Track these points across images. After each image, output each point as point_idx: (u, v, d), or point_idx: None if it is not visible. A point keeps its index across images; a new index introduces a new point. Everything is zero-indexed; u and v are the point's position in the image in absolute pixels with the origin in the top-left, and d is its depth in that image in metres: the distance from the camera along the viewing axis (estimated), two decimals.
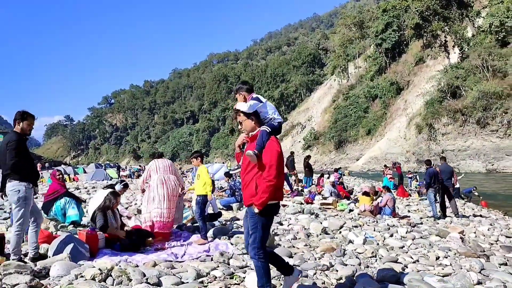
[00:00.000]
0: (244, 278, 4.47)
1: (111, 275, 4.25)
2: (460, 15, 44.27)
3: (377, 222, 9.34)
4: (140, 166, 44.28)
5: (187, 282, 4.31)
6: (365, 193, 11.56)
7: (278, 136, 3.82)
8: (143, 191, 7.12)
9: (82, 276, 4.18)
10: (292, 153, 18.65)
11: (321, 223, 8.19)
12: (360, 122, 63.71)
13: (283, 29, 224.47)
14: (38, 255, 4.92)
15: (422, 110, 45.31)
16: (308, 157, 17.36)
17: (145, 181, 7.03)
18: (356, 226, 8.30)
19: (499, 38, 37.36)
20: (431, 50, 51.08)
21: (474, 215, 11.95)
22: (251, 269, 4.58)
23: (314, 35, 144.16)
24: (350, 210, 10.92)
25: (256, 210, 3.55)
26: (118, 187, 7.64)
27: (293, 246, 6.23)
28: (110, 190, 6.64)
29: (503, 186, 23.33)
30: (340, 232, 7.66)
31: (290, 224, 8.22)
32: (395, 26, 62.65)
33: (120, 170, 34.67)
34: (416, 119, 46.44)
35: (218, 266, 4.85)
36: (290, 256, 5.49)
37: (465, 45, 42.31)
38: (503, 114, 32.65)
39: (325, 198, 12.60)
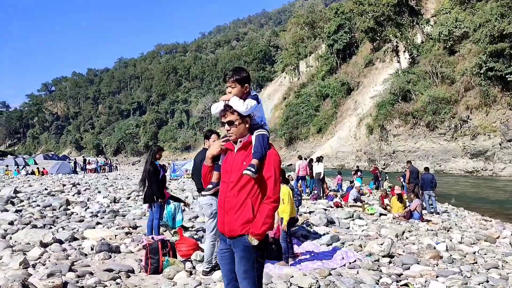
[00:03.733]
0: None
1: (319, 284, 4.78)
2: (411, 22, 46.51)
3: (412, 226, 9.90)
4: (105, 159, 42.42)
5: None
6: (399, 198, 11.65)
7: None
8: None
9: (300, 286, 4.73)
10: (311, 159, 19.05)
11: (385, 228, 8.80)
12: (311, 120, 65.13)
13: (231, 23, 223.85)
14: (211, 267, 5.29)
15: (372, 111, 47.15)
16: (311, 160, 17.74)
17: None
18: (410, 231, 8.93)
19: (447, 46, 39.66)
20: (383, 54, 53.19)
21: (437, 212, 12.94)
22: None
23: (263, 31, 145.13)
24: (381, 214, 11.33)
25: (255, 242, 2.71)
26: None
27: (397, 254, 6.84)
28: None
29: (452, 185, 25.11)
30: (407, 238, 8.19)
31: (364, 230, 8.76)
32: (347, 28, 64.56)
33: (86, 163, 33.34)
34: (366, 119, 48.25)
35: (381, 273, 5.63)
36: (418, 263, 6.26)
37: (415, 51, 44.53)
38: (451, 118, 34.79)
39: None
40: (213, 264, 5.26)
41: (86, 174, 28.53)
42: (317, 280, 4.84)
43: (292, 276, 5.12)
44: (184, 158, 69.21)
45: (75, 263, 5.39)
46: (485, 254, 7.34)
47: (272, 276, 5.22)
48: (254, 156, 2.75)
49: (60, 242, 6.48)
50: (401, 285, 5.13)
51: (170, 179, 23.28)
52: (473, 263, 6.69)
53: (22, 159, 35.41)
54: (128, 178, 24.81)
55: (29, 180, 21.56)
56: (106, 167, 32.83)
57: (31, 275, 4.61)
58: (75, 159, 37.98)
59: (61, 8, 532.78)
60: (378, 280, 5.28)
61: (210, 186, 2.99)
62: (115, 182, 20.43)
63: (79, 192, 13.74)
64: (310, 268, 5.73)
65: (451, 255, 6.99)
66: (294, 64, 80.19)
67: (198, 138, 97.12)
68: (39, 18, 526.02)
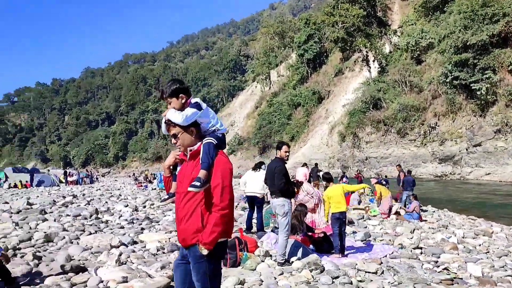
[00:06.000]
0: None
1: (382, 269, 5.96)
2: (379, 32, 48.29)
3: (415, 225, 10.83)
4: (87, 171, 41.70)
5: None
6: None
7: None
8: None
9: (367, 272, 5.75)
10: (316, 164, 19.51)
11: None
12: (284, 129, 66.01)
13: (200, 32, 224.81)
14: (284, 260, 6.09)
15: (343, 119, 48.45)
16: (316, 165, 18.32)
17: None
18: (417, 229, 10.15)
19: (414, 56, 41.45)
20: (353, 63, 54.76)
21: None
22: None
23: (232, 40, 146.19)
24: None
25: (205, 252, 2.68)
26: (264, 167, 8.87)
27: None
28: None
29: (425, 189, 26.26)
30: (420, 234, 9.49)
31: (382, 228, 10.10)
32: (317, 38, 66.03)
33: (68, 175, 32.81)
34: (338, 127, 49.50)
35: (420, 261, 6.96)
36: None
37: (384, 60, 46.21)
38: (420, 125, 36.32)
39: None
40: (286, 258, 6.08)
41: (67, 186, 28.24)
42: (380, 266, 5.96)
43: (357, 264, 6.10)
44: (158, 169, 68.66)
45: (161, 260, 6.11)
46: (488, 246, 8.30)
47: (338, 264, 6.10)
48: (201, 167, 2.73)
49: (125, 245, 7.06)
50: (442, 269, 6.21)
51: (159, 189, 23.41)
52: (486, 252, 7.88)
53: None
54: (118, 189, 24.77)
55: (17, 194, 21.14)
56: (87, 179, 32.50)
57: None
58: (64, 170, 37.23)
59: (23, 14, 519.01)
60: (422, 265, 6.46)
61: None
62: (110, 193, 20.42)
63: (89, 203, 13.91)
64: (360, 259, 6.55)
65: (464, 247, 8.17)
66: (265, 74, 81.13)
67: (170, 148, 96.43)
68: None
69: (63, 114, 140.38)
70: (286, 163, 6.36)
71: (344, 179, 20.46)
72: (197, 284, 2.77)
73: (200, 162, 2.75)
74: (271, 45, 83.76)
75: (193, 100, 2.93)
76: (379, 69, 46.54)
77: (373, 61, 47.29)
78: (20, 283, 4.96)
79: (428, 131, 35.91)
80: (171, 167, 3.04)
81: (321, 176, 15.51)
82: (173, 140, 2.89)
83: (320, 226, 8.13)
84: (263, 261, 6.18)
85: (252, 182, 8.82)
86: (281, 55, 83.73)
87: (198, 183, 2.65)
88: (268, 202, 12.51)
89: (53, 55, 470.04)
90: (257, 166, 9.17)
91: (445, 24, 36.88)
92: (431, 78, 36.73)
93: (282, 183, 6.08)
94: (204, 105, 2.93)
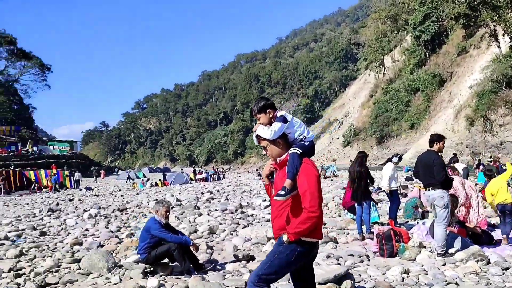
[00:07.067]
0: None
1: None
2: (509, 2, 43.28)
3: None
4: (214, 168, 44.86)
5: None
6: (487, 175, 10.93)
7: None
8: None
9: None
10: (455, 154, 19.20)
11: None
12: (402, 116, 63.10)
13: (308, 25, 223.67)
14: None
15: (470, 101, 44.58)
16: (455, 154, 17.71)
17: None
18: None
19: None
20: (480, 40, 49.93)
21: None
22: None
23: (341, 30, 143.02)
24: None
25: (285, 238, 2.98)
26: (395, 160, 9.07)
27: None
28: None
29: None
30: None
31: None
32: (434, 17, 61.60)
33: (197, 173, 35.74)
34: (464, 110, 45.71)
35: None
36: None
37: None
38: None
39: None
40: (445, 249, 6.13)
41: (197, 183, 30.65)
42: None
43: None
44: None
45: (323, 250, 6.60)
46: None
47: (503, 256, 6.07)
48: (287, 176, 2.98)
49: None
50: None
51: None
52: None
53: (134, 173, 38.85)
54: (246, 185, 26.34)
55: (159, 191, 23.63)
56: (214, 176, 34.88)
57: None
58: (194, 169, 40.49)
59: (148, 28, 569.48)
60: None
61: (281, 192, 3.04)
62: (241, 188, 21.74)
63: (226, 198, 15.11)
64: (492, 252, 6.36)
65: None
66: (378, 60, 78.13)
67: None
68: (125, 40, 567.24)
69: (185, 116, 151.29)
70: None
71: (481, 167, 18.85)
72: (267, 260, 3.06)
73: (287, 172, 3.00)
74: (383, 30, 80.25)
75: (278, 114, 3.17)
76: (511, 44, 41.77)
77: (503, 35, 42.57)
78: (207, 268, 5.81)
79: None
80: (269, 176, 3.32)
81: (456, 167, 14.54)
82: (264, 151, 3.22)
83: (474, 222, 7.73)
84: (420, 252, 6.26)
85: (384, 176, 8.93)
86: (394, 39, 79.90)
87: (282, 192, 2.95)
88: (402, 194, 12.18)
89: (174, 62, 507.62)
90: (387, 160, 9.10)
91: None
92: None
93: (443, 175, 6.15)
94: (289, 117, 3.17)
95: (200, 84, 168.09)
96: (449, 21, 56.80)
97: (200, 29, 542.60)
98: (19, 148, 49.55)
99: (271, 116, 3.15)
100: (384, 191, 9.37)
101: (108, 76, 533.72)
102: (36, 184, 31.41)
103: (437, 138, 6.65)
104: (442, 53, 63.60)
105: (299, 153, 3.03)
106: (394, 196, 8.72)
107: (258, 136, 3.18)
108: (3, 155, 44.35)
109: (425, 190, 6.52)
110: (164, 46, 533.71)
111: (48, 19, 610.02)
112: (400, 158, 9.36)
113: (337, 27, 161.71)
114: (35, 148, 50.94)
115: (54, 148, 56.18)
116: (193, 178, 33.15)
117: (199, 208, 11.62)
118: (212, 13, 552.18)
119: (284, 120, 3.12)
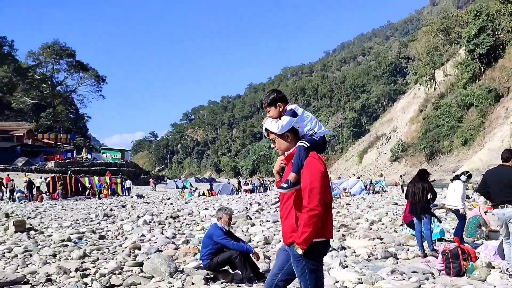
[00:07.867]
0: None
1: None
2: None
3: None
4: (259, 180, 45.40)
5: None
6: None
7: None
8: None
9: None
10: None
11: None
12: (454, 132, 60.93)
13: (355, 39, 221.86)
14: None
15: None
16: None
17: None
18: None
19: None
20: None
21: None
22: None
23: (390, 43, 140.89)
24: None
25: (299, 251, 2.83)
26: (463, 178, 8.62)
27: None
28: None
29: None
30: None
31: None
32: (490, 30, 59.45)
33: (243, 184, 36.29)
34: None
35: None
36: None
37: None
38: None
39: None
40: None
41: (243, 194, 31.07)
42: None
43: None
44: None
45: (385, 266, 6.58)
46: None
47: None
48: (292, 170, 2.89)
49: (335, 250, 7.76)
50: None
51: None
52: None
53: (181, 182, 39.92)
54: None
55: (207, 201, 24.12)
56: (260, 187, 35.18)
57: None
58: (238, 180, 41.11)
59: (194, 43, 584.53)
60: None
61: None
62: None
63: (276, 210, 15.34)
64: None
65: None
66: (429, 74, 76.14)
67: (329, 157, 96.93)
68: (176, 53, 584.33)
69: (231, 128, 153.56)
70: None
71: None
72: (300, 281, 2.95)
73: (292, 165, 2.92)
74: (434, 43, 78.27)
75: (288, 107, 3.07)
76: None
77: None
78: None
79: None
80: (280, 173, 3.21)
81: None
82: (272, 145, 3.17)
83: None
84: (490, 273, 6.07)
85: (450, 194, 8.73)
86: (446, 53, 77.64)
87: (285, 185, 2.89)
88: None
89: (222, 74, 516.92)
90: (455, 177, 8.90)
91: None
92: None
93: None
94: (300, 111, 3.06)
95: (246, 97, 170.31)
96: (506, 34, 54.66)
97: (247, 42, 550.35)
98: (75, 156, 52.21)
99: (281, 109, 3.08)
100: (440, 208, 9.15)
101: (158, 87, 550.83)
102: (90, 190, 32.90)
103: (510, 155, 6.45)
104: (498, 67, 61.09)
105: (306, 146, 2.95)
106: (461, 214, 8.50)
107: (266, 130, 3.12)
108: (60, 161, 46.90)
109: (499, 208, 6.11)
110: (211, 59, 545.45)
111: (102, 30, 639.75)
112: (470, 176, 8.79)
113: (386, 41, 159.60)
114: (89, 156, 53.44)
115: (106, 156, 58.69)
116: (238, 189, 33.61)
117: (251, 219, 11.78)
118: (258, 26, 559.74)
119: (293, 114, 3.03)
